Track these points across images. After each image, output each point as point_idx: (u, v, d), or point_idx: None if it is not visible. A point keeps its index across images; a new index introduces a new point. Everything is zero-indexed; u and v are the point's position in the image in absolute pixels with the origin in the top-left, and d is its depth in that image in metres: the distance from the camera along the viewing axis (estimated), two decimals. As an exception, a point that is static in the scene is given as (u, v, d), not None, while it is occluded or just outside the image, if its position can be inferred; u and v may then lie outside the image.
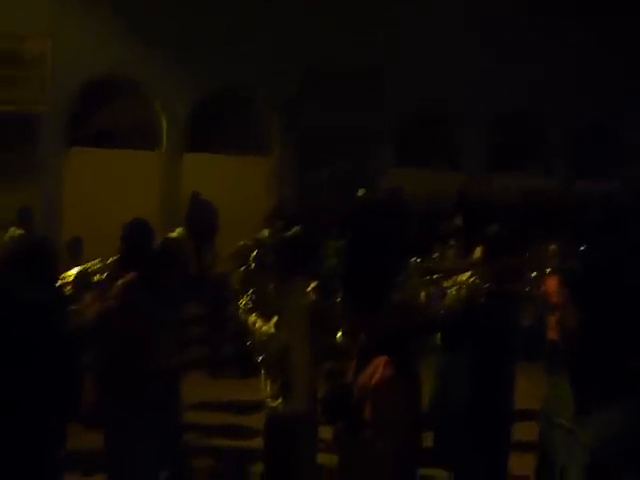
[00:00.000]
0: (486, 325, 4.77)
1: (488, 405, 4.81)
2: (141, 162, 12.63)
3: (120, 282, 4.66)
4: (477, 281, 5.07)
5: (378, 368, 3.78)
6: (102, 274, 4.79)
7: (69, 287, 4.55)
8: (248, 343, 4.81)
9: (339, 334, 5.05)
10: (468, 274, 5.19)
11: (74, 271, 4.68)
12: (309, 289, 4.71)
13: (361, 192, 10.86)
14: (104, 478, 4.80)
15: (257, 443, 5.15)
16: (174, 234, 6.28)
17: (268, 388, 4.66)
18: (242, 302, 4.92)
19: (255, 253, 6.70)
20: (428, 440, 5.52)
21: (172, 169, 13.05)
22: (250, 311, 4.80)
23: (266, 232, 8.45)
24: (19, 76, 11.92)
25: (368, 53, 13.43)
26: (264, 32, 12.87)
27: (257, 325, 4.66)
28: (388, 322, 3.92)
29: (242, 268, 7.05)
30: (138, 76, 12.54)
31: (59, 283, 4.46)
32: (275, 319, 4.60)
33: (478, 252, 5.87)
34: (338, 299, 5.93)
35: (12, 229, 8.12)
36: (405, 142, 14.18)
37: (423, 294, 5.01)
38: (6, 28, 11.65)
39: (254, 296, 4.94)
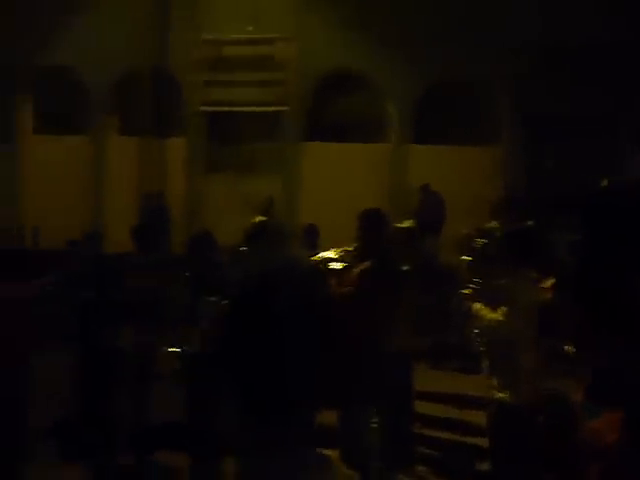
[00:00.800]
0: None
1: None
2: (371, 155, 13.04)
3: (357, 269, 4.92)
4: None
5: (614, 423, 2.71)
6: (343, 261, 5.07)
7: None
8: (474, 331, 4.77)
9: (568, 347, 4.65)
10: None
11: (317, 257, 5.02)
12: (544, 286, 4.59)
13: (604, 182, 10.19)
14: (336, 452, 5.10)
15: (480, 441, 5.07)
16: (404, 224, 6.43)
17: (493, 379, 4.59)
18: (467, 292, 4.93)
19: (482, 243, 6.66)
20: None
21: (399, 161, 13.31)
22: (475, 300, 4.75)
23: (495, 223, 8.33)
24: (270, 78, 12.87)
25: (600, 30, 12.42)
26: (485, 16, 12.46)
27: (483, 312, 4.61)
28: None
29: (467, 258, 7.04)
30: (366, 71, 12.93)
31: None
32: (504, 308, 4.51)
33: None
34: (571, 301, 5.56)
35: (257, 217, 8.81)
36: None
37: None
38: (258, 34, 12.63)
39: (480, 286, 4.91)
